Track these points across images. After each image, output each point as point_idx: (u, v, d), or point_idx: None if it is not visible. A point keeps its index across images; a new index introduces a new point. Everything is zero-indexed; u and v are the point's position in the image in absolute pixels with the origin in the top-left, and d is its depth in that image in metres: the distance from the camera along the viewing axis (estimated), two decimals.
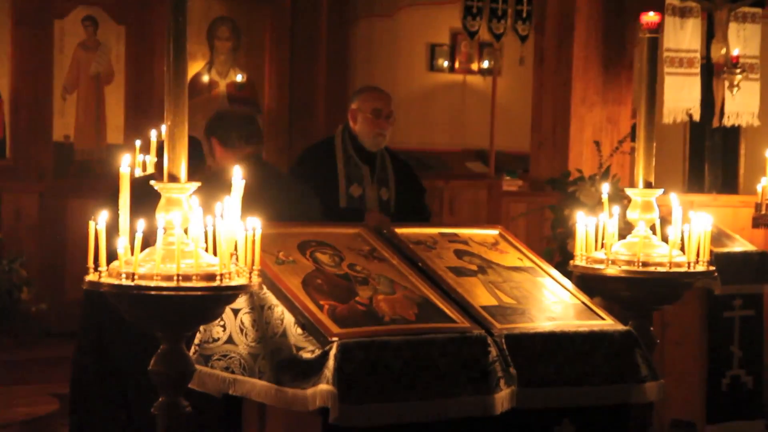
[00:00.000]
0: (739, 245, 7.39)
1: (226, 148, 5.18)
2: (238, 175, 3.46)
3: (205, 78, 10.81)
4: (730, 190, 9.26)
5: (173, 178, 3.43)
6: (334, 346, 3.57)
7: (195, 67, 10.71)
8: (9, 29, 9.59)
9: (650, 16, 4.22)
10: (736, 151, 9.69)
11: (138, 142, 7.33)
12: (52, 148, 9.86)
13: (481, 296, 4.09)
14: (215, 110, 6.10)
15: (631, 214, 4.24)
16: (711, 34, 8.81)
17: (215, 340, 3.93)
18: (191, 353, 3.86)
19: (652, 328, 4.38)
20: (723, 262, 6.98)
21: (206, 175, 4.70)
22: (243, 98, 11.02)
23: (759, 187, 6.69)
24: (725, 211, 8.25)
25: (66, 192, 9.70)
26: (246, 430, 4.09)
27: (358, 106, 5.82)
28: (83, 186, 9.63)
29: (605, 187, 4.40)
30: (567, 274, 4.41)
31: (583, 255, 4.20)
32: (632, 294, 4.23)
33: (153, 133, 7.01)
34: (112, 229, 3.38)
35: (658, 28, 4.29)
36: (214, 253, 3.43)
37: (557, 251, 7.44)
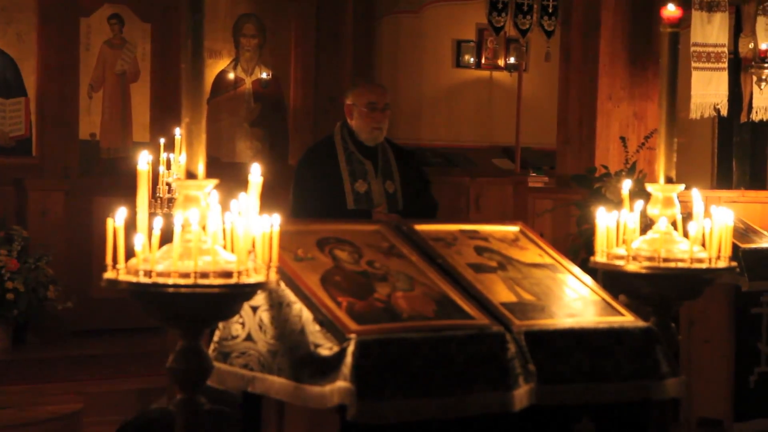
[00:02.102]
0: (767, 241, 7.33)
1: None
2: (256, 171, 3.45)
3: (231, 75, 10.83)
4: (758, 186, 9.21)
5: (191, 175, 3.43)
6: (352, 343, 3.56)
7: (221, 64, 10.74)
8: (35, 27, 9.64)
9: (671, 10, 4.18)
10: (765, 147, 9.63)
11: (162, 140, 7.35)
12: (78, 146, 9.89)
13: (500, 293, 4.07)
14: None
15: (652, 210, 4.21)
16: (739, 28, 8.76)
17: (234, 338, 3.92)
18: (210, 351, 3.86)
19: (673, 325, 4.34)
20: (750, 258, 6.93)
21: None
22: (268, 95, 11.03)
23: None
24: (753, 207, 8.20)
25: (92, 190, 9.74)
26: (265, 427, 4.08)
27: (353, 101, 5.82)
28: (109, 184, 9.66)
29: (626, 183, 4.37)
30: (591, 270, 4.38)
31: (603, 251, 4.17)
32: (653, 290, 4.19)
33: (177, 131, 7.02)
34: None
35: (680, 22, 4.26)
36: (232, 251, 3.43)
37: (583, 248, 7.41)
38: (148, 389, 7.38)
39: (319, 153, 5.87)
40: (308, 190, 5.68)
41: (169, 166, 7.06)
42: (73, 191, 9.62)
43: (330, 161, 5.73)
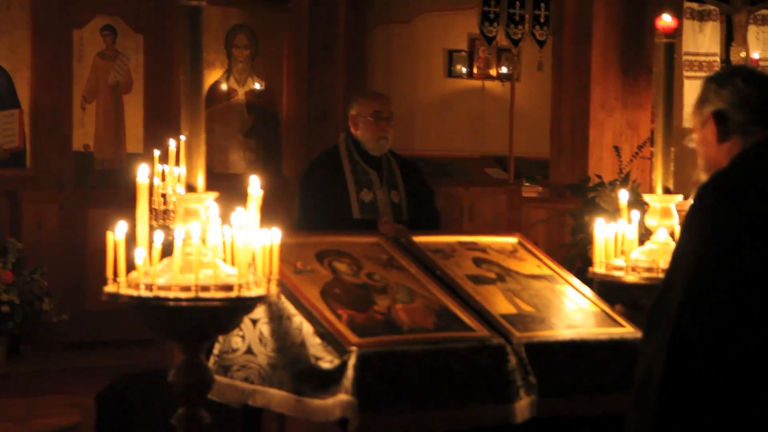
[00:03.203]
0: None
1: None
2: (255, 184, 3.46)
3: (224, 86, 10.83)
4: None
5: (191, 188, 3.44)
6: (353, 355, 3.57)
7: (213, 75, 10.73)
8: (28, 39, 9.62)
9: (666, 21, 4.20)
10: None
11: (157, 152, 7.34)
12: (72, 158, 9.87)
13: (500, 304, 4.07)
14: None
15: (650, 221, 4.22)
16: (730, 37, 8.79)
17: (234, 351, 3.93)
18: (210, 364, 3.86)
19: None
20: None
21: None
22: (261, 106, 11.04)
23: None
24: None
25: (86, 202, 9.72)
26: None
27: (358, 111, 5.82)
28: (104, 195, 9.65)
29: (623, 194, 4.38)
30: (588, 280, 4.39)
31: (602, 262, 4.18)
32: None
33: (172, 142, 7.02)
34: None
35: (675, 32, 4.27)
36: (232, 264, 3.43)
37: (578, 258, 7.42)
38: None
39: (323, 163, 5.87)
40: (313, 200, 5.67)
41: (164, 178, 7.05)
42: (67, 203, 9.60)
43: (335, 171, 5.73)
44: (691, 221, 2.85)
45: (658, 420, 2.69)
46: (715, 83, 3.08)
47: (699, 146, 3.10)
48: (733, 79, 3.03)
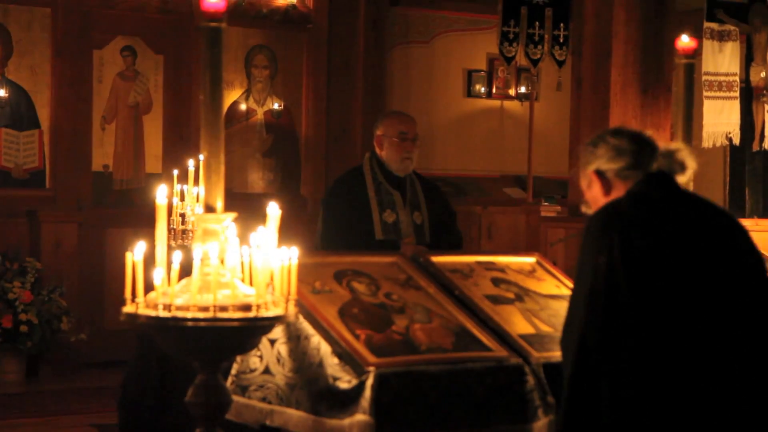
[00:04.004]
0: None
1: None
2: (273, 206, 3.46)
3: (243, 106, 10.85)
4: None
5: (210, 209, 3.44)
6: (371, 375, 3.56)
7: (233, 95, 10.76)
8: (49, 60, 9.68)
9: (685, 42, 4.19)
10: None
11: (176, 172, 7.36)
12: (91, 178, 9.92)
13: (518, 324, 4.06)
14: None
15: None
16: (750, 57, 8.77)
17: (252, 371, 3.92)
18: (228, 384, 3.86)
19: None
20: None
21: None
22: (280, 126, 11.06)
23: None
24: (767, 236, 8.18)
25: (105, 221, 9.75)
26: None
27: (384, 131, 5.82)
28: (122, 215, 9.68)
29: None
30: None
31: None
32: None
33: (191, 163, 7.04)
34: None
35: (695, 53, 4.26)
36: (251, 284, 3.43)
37: None
38: None
39: (347, 183, 5.87)
40: (336, 221, 5.67)
41: (183, 198, 7.07)
42: (86, 223, 9.64)
43: (359, 191, 5.73)
44: (583, 245, 3.36)
45: (568, 407, 3.24)
46: (590, 146, 3.49)
47: (592, 204, 3.50)
48: (604, 138, 3.47)
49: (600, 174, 3.47)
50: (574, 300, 3.37)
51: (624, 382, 3.17)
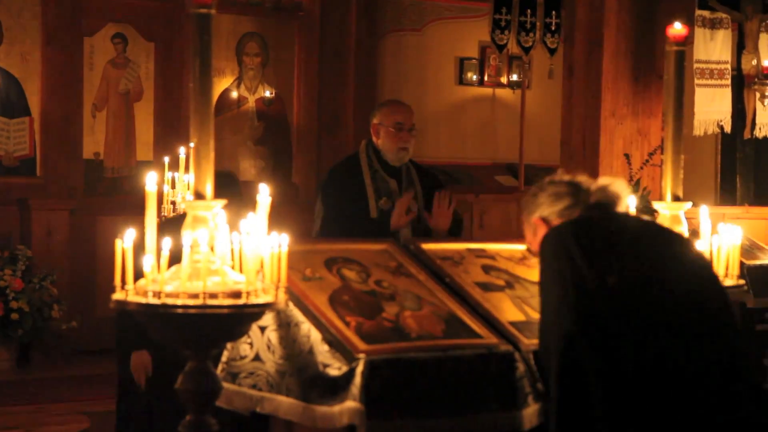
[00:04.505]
0: None
1: None
2: (264, 192, 3.45)
3: (234, 94, 10.84)
4: (762, 202, 9.20)
5: (199, 196, 3.43)
6: (361, 363, 3.56)
7: (224, 83, 10.75)
8: (39, 47, 9.66)
9: (676, 29, 4.19)
10: None
11: (167, 159, 7.35)
12: (82, 166, 9.91)
13: (508, 311, 4.06)
14: None
15: None
16: (741, 45, 8.78)
17: (242, 358, 3.92)
18: (219, 371, 3.85)
19: None
20: (755, 274, 6.93)
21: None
22: (272, 113, 11.05)
23: None
24: (758, 224, 8.20)
25: (96, 209, 9.75)
26: None
27: (380, 120, 5.81)
28: (113, 203, 9.68)
29: (632, 200, 4.37)
30: None
31: None
32: None
33: (182, 150, 7.03)
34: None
35: (685, 40, 4.26)
36: (241, 271, 3.42)
37: None
38: None
39: (343, 171, 5.86)
40: (335, 208, 5.67)
41: (173, 185, 7.07)
42: (77, 210, 9.63)
43: (355, 179, 5.72)
44: (542, 264, 3.65)
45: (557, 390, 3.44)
46: (531, 196, 3.82)
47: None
48: (542, 187, 3.80)
49: (544, 219, 3.80)
50: (546, 309, 3.58)
51: (611, 372, 3.32)
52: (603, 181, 3.79)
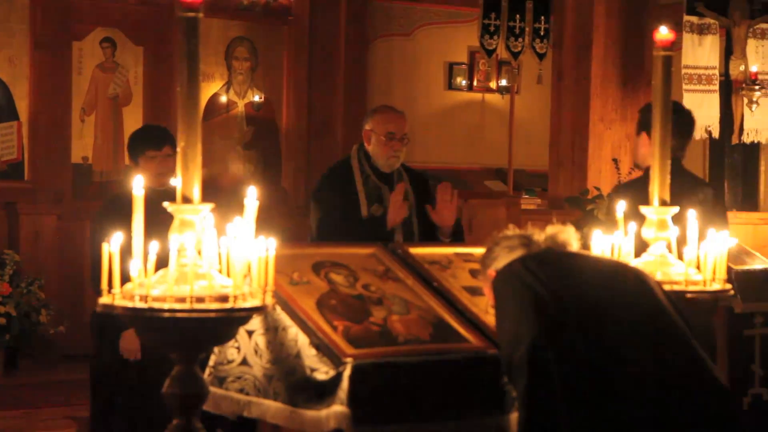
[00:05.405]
0: (760, 262, 7.33)
1: None
2: (252, 195, 3.45)
3: (223, 98, 10.84)
4: (750, 207, 9.20)
5: (186, 200, 3.43)
6: (348, 367, 3.56)
7: (213, 87, 10.74)
8: (28, 51, 9.64)
9: (663, 34, 4.19)
10: (756, 168, 9.63)
11: None
12: (71, 170, 9.89)
13: None
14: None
15: (647, 233, 4.21)
16: (729, 50, 8.78)
17: (230, 362, 3.92)
18: (206, 375, 3.85)
19: None
20: (743, 279, 6.93)
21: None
22: (261, 118, 11.04)
23: None
24: (745, 229, 8.21)
25: (84, 213, 9.70)
26: None
27: (372, 127, 5.79)
28: None
29: (621, 205, 4.37)
30: None
31: None
32: None
33: None
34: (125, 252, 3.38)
35: (672, 45, 4.27)
36: (228, 275, 3.42)
37: None
38: None
39: (335, 175, 5.83)
40: (330, 212, 5.64)
41: None
42: (65, 215, 9.60)
43: (346, 183, 5.70)
44: (497, 300, 3.69)
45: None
46: (487, 251, 3.93)
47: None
48: (497, 242, 3.93)
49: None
50: (505, 327, 3.60)
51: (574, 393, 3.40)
52: (551, 229, 3.93)
